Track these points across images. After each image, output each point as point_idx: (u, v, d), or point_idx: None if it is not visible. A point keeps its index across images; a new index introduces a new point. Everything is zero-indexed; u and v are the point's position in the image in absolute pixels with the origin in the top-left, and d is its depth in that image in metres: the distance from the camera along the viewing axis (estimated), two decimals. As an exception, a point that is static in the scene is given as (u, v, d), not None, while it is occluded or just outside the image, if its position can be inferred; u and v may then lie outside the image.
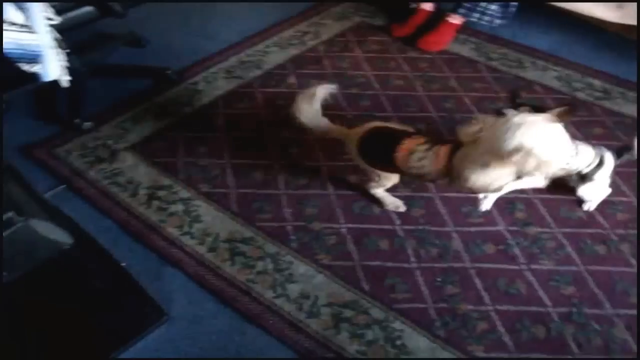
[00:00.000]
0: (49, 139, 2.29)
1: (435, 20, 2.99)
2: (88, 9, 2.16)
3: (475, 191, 1.85)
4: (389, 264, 1.86)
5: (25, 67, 1.75)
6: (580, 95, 2.60)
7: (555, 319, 1.72)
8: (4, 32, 1.53)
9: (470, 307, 1.74)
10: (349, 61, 2.82)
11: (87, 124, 2.33)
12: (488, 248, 1.92)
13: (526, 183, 1.99)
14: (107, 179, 2.12)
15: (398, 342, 1.65)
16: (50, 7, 1.92)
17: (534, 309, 1.75)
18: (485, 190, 1.81)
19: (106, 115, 2.42)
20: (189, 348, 1.64)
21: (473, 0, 2.87)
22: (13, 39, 1.60)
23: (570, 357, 1.63)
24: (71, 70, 2.08)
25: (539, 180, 2.00)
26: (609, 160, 1.92)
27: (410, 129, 1.93)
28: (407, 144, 1.81)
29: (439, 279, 1.82)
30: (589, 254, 1.91)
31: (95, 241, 1.84)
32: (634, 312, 1.74)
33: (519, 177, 1.72)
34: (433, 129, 2.37)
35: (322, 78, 2.66)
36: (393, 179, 1.96)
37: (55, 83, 2.02)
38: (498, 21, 2.95)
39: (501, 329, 1.69)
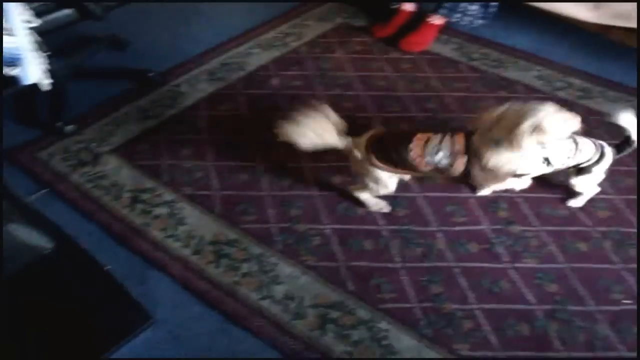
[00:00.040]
0: (31, 143, 2.27)
1: (417, 20, 3.00)
2: (67, 11, 2.15)
3: (487, 176, 1.87)
4: (374, 264, 1.87)
5: (5, 70, 1.74)
6: (561, 94, 2.62)
7: (539, 317, 1.73)
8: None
9: (456, 306, 1.75)
10: (332, 62, 2.82)
11: (70, 127, 2.31)
12: (472, 247, 1.93)
13: (515, 182, 2.02)
14: (90, 182, 2.11)
15: (384, 342, 1.66)
16: (29, 9, 1.91)
17: (518, 307, 1.76)
18: (496, 173, 1.83)
19: (88, 118, 2.40)
20: (175, 351, 1.64)
21: (454, 0, 2.88)
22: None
23: (554, 354, 1.65)
24: (52, 73, 2.07)
25: (525, 181, 2.05)
26: (609, 155, 1.94)
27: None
28: (420, 137, 1.84)
29: (423, 279, 1.83)
30: (571, 251, 1.93)
31: (78, 245, 1.82)
32: (616, 308, 1.76)
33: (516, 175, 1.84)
34: (417, 129, 2.37)
35: (305, 79, 2.67)
36: (390, 185, 1.95)
37: (35, 86, 2.01)
38: (479, 21, 2.98)
39: (486, 327, 1.70)
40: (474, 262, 1.89)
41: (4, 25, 1.75)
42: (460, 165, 1.83)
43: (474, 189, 2.09)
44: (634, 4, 2.71)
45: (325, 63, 2.82)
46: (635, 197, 2.11)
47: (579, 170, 1.95)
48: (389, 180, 1.92)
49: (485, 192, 2.08)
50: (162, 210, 2.01)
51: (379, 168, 1.87)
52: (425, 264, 1.87)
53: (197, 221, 1.98)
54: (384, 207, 2.03)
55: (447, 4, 2.90)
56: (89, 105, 2.47)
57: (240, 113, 2.47)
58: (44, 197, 2.05)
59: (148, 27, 3.07)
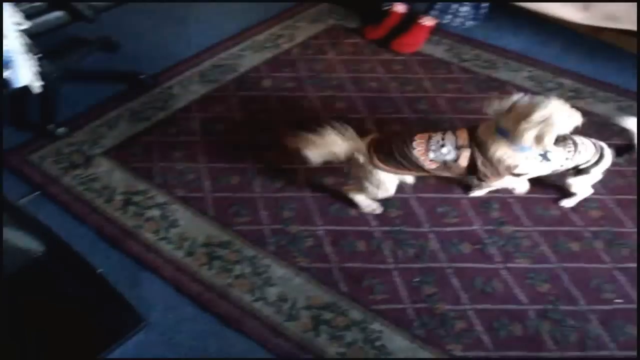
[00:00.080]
0: (22, 145, 2.26)
1: (408, 22, 3.01)
2: (58, 13, 2.14)
3: (490, 170, 1.86)
4: (367, 265, 1.87)
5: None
6: (552, 95, 2.63)
7: (531, 317, 1.74)
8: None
9: (448, 306, 1.76)
10: (323, 64, 2.83)
11: (61, 130, 2.31)
12: (464, 248, 1.94)
13: (514, 183, 2.04)
14: (82, 184, 2.10)
15: (377, 343, 1.66)
16: (19, 11, 1.90)
17: (510, 307, 1.77)
18: (498, 167, 1.84)
19: (80, 120, 2.39)
20: (167, 354, 1.64)
21: (444, 0, 2.89)
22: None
23: (547, 353, 1.66)
24: (43, 75, 2.06)
25: (524, 184, 2.07)
26: (608, 157, 1.95)
27: None
28: (420, 136, 1.86)
29: (416, 279, 1.83)
30: (563, 251, 1.93)
31: (70, 248, 1.82)
32: (608, 307, 1.78)
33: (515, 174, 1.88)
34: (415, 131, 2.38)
35: (297, 81, 2.67)
36: (391, 188, 1.95)
37: (26, 89, 2.00)
38: (470, 22, 2.99)
39: (479, 327, 1.71)
40: (466, 262, 1.89)
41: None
42: (464, 160, 1.84)
43: (468, 188, 2.10)
44: (624, 6, 2.73)
45: (317, 64, 2.82)
46: (626, 197, 2.12)
47: (578, 170, 1.96)
48: (390, 182, 1.92)
49: (478, 192, 2.09)
50: (155, 213, 2.01)
51: (382, 169, 1.87)
52: (417, 265, 1.88)
53: (189, 223, 1.98)
54: (376, 208, 2.03)
55: (438, 6, 2.91)
56: (80, 107, 2.46)
57: (232, 115, 2.47)
58: (35, 200, 2.04)
59: (140, 29, 3.06)
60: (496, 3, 3.04)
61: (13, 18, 1.85)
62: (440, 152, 1.83)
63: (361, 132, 1.91)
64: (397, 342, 1.67)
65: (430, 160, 1.83)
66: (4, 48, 1.84)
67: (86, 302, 1.69)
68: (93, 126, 2.37)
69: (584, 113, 1.81)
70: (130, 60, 2.79)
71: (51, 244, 1.74)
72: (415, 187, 2.09)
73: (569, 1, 2.88)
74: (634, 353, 1.67)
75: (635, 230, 2.01)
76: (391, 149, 1.84)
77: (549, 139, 1.72)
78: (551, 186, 2.10)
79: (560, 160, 1.90)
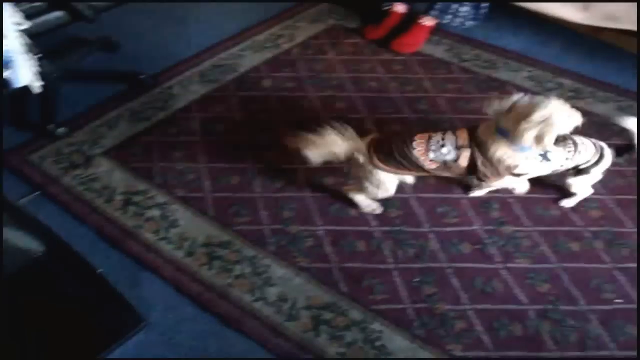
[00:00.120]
0: (22, 145, 2.26)
1: (408, 22, 3.01)
2: (58, 13, 2.14)
3: (490, 170, 1.86)
4: (367, 265, 1.87)
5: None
6: (552, 95, 2.63)
7: (531, 317, 1.74)
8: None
9: (448, 306, 1.76)
10: (324, 64, 2.83)
11: (61, 130, 2.31)
12: (464, 248, 1.94)
13: (514, 183, 2.04)
14: (82, 184, 2.10)
15: (377, 343, 1.66)
16: (19, 11, 1.90)
17: (510, 307, 1.77)
18: (498, 167, 1.84)
19: (80, 120, 2.39)
20: (167, 354, 1.64)
21: (444, 0, 2.89)
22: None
23: (547, 353, 1.66)
24: (43, 75, 2.06)
25: (524, 184, 2.06)
26: (608, 157, 1.95)
27: None
28: (420, 136, 1.86)
29: (416, 279, 1.83)
30: (563, 251, 1.94)
31: (70, 248, 1.82)
32: (608, 307, 1.78)
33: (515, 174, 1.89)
34: (409, 130, 2.38)
35: (297, 81, 2.67)
36: (391, 188, 1.94)
37: (26, 89, 2.00)
38: (470, 22, 2.99)
39: (479, 327, 1.71)
40: (466, 262, 1.89)
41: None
42: (464, 160, 1.84)
43: (468, 188, 2.10)
44: (624, 6, 2.73)
45: (317, 64, 2.82)
46: (626, 197, 2.12)
47: (578, 170, 1.96)
48: (390, 182, 1.92)
49: (478, 192, 2.09)
50: (155, 213, 2.01)
51: (382, 169, 1.87)
52: (417, 265, 1.88)
53: (189, 223, 1.98)
54: (376, 208, 2.03)
55: (437, 6, 2.91)
56: (80, 107, 2.46)
57: (232, 115, 2.47)
58: (35, 200, 2.04)
59: (140, 29, 3.06)
60: (496, 3, 3.04)
61: (13, 18, 1.85)
62: (440, 152, 1.83)
63: (361, 132, 1.91)
64: (397, 342, 1.67)
65: (430, 160, 1.83)
66: (4, 48, 1.84)
67: (86, 302, 1.69)
68: (93, 126, 2.37)
69: (584, 113, 1.81)
70: (130, 60, 2.79)
71: (51, 244, 1.74)
72: (415, 187, 2.09)
73: (568, 1, 2.88)
74: (634, 353, 1.67)
75: (635, 230, 2.01)
76: (391, 149, 1.84)
77: (549, 139, 1.73)
78: (551, 186, 2.10)
79: (560, 160, 1.90)
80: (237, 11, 3.27)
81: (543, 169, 1.92)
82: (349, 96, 2.60)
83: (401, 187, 2.00)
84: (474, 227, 2.00)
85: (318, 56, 2.88)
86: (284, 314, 1.73)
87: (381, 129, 2.35)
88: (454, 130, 1.87)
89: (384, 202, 2.04)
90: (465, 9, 2.92)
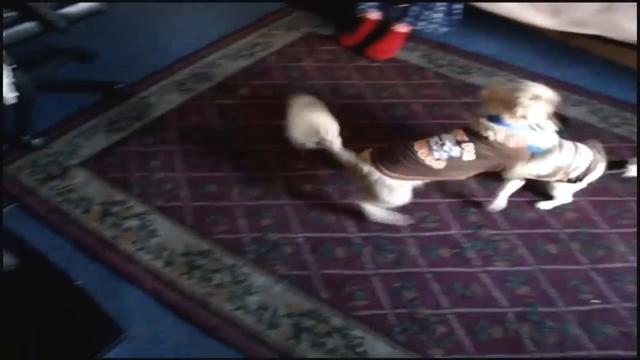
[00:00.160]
0: (-4, 157, 2.23)
1: (383, 29, 3.03)
2: (30, 24, 2.12)
3: (503, 154, 1.90)
4: (347, 272, 1.87)
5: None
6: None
7: (511, 319, 1.76)
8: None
9: (429, 311, 1.77)
10: (300, 71, 2.83)
11: (37, 141, 2.28)
12: (443, 252, 1.95)
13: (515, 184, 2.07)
14: (59, 196, 2.08)
15: (359, 349, 1.67)
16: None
17: (490, 310, 1.78)
18: (507, 150, 1.88)
19: (56, 131, 2.37)
20: (149, 365, 1.63)
21: (417, 1, 2.91)
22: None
23: (527, 355, 1.67)
24: (18, 86, 2.05)
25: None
26: (599, 169, 1.98)
27: None
28: (419, 141, 1.88)
29: (396, 285, 1.84)
30: (541, 253, 1.96)
31: (47, 260, 1.80)
32: (585, 308, 1.80)
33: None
34: (386, 136, 2.39)
35: (274, 89, 2.68)
36: (404, 195, 1.92)
37: (0, 100, 1.98)
38: (444, 29, 3.02)
39: (460, 331, 1.72)
40: (445, 267, 1.90)
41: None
42: (470, 154, 1.85)
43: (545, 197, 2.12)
44: (592, 12, 2.79)
45: (293, 72, 2.82)
46: (600, 198, 2.15)
47: (573, 180, 1.99)
48: (401, 189, 1.89)
49: (549, 205, 2.11)
50: (133, 223, 2.00)
51: (390, 176, 1.84)
52: (397, 270, 1.89)
53: (168, 233, 1.97)
54: (400, 219, 2.02)
55: (411, 12, 2.93)
56: (56, 118, 2.44)
57: (210, 123, 2.47)
58: (12, 212, 2.02)
59: (115, 39, 3.05)
60: (463, 1, 3.07)
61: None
62: (443, 150, 1.84)
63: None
64: (378, 348, 1.67)
65: (437, 160, 1.83)
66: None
67: (64, 315, 1.68)
68: (69, 137, 2.35)
69: (557, 117, 1.84)
70: (106, 70, 2.77)
71: (27, 256, 1.73)
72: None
73: (535, 1, 2.92)
74: (613, 352, 1.69)
75: (610, 231, 2.04)
76: (396, 156, 1.84)
77: (540, 112, 1.83)
78: (527, 189, 2.12)
79: (567, 158, 1.93)
80: (213, 20, 3.27)
81: (552, 164, 1.94)
82: (326, 103, 2.59)
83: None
84: (453, 232, 2.02)
85: (294, 64, 2.89)
86: (264, 322, 1.72)
87: (359, 136, 2.34)
88: (447, 131, 1.90)
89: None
90: (438, 15, 2.95)
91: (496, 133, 1.83)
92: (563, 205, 2.10)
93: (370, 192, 1.90)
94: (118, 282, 1.82)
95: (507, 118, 1.83)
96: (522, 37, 3.12)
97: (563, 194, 2.06)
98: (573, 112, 2.57)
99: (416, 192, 2.09)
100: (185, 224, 2.00)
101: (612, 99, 2.69)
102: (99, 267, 1.86)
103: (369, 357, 1.65)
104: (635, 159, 2.00)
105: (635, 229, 2.05)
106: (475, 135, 1.85)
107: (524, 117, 1.82)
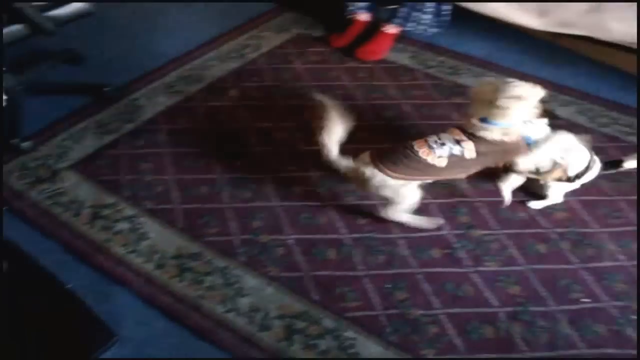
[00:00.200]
0: (-15, 161, 2.22)
1: (372, 30, 3.04)
2: (17, 27, 2.10)
3: (499, 151, 1.91)
4: (338, 273, 1.88)
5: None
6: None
7: (502, 319, 1.76)
8: None
9: (421, 311, 1.77)
10: (290, 73, 2.83)
11: (26, 144, 2.27)
12: (434, 253, 1.95)
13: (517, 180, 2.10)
14: (49, 199, 2.07)
15: (351, 351, 1.67)
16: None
17: (482, 310, 1.79)
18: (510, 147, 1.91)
19: (46, 134, 2.36)
20: (140, 368, 1.62)
21: (407, 0, 2.92)
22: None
23: (518, 355, 1.68)
24: (7, 89, 2.03)
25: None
26: (594, 171, 2.00)
27: None
28: (418, 140, 1.88)
29: (388, 286, 1.84)
30: (531, 253, 1.96)
31: (37, 264, 1.80)
32: (576, 307, 1.81)
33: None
34: (376, 137, 2.39)
35: (264, 90, 2.68)
36: (411, 195, 1.92)
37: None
38: (433, 30, 3.03)
39: (451, 331, 1.72)
40: (437, 267, 1.91)
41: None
42: (471, 152, 1.85)
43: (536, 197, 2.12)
44: (579, 12, 2.80)
45: (283, 74, 2.82)
46: (590, 198, 2.16)
47: (570, 178, 2.00)
48: (406, 189, 1.89)
49: (539, 204, 2.12)
50: (124, 226, 1.99)
51: (393, 177, 1.84)
52: (389, 271, 1.89)
53: (159, 235, 1.97)
54: (435, 222, 2.03)
55: (400, 14, 2.94)
56: (45, 121, 2.43)
57: (200, 125, 2.46)
58: (1, 215, 2.01)
59: (104, 41, 3.04)
60: (453, 1, 3.08)
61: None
62: (443, 148, 1.84)
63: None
64: (371, 349, 1.67)
65: (439, 157, 1.84)
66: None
67: (55, 319, 1.67)
68: (58, 140, 2.34)
69: (547, 116, 1.85)
70: (96, 73, 2.77)
71: (17, 260, 1.72)
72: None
73: (526, 1, 2.94)
74: (604, 351, 1.70)
75: (600, 230, 2.05)
76: (397, 156, 1.84)
77: (523, 112, 1.86)
78: (518, 189, 2.13)
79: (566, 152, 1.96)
80: (203, 22, 3.26)
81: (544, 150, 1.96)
82: (316, 105, 2.60)
83: (371, 194, 2.01)
84: (443, 232, 2.02)
85: (284, 65, 2.89)
86: (256, 324, 1.72)
87: (349, 137, 2.35)
88: (439, 131, 1.91)
89: (354, 208, 2.04)
90: (427, 16, 2.97)
91: (492, 132, 1.84)
92: (553, 205, 2.11)
93: (382, 196, 1.92)
94: (109, 285, 1.81)
95: (493, 118, 1.84)
96: (511, 37, 3.14)
97: (556, 194, 2.07)
98: (561, 112, 2.58)
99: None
100: (176, 226, 2.00)
101: (600, 98, 2.71)
102: (89, 271, 1.85)
103: (361, 358, 1.65)
104: (630, 155, 2.02)
105: (624, 228, 2.06)
106: (471, 135, 1.87)
107: (506, 117, 1.83)
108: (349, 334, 1.71)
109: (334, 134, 1.85)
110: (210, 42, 3.05)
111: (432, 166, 1.84)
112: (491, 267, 1.91)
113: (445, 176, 1.94)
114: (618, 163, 2.05)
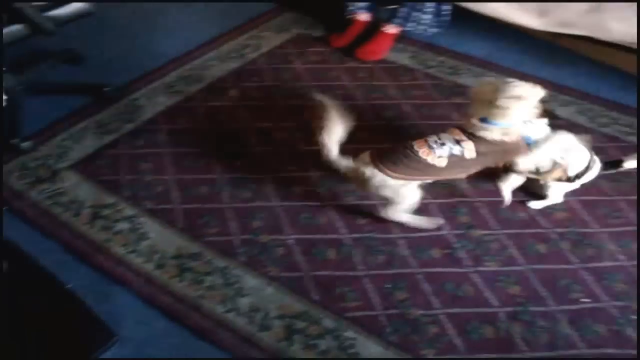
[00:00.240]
0: (-15, 161, 2.22)
1: (372, 30, 3.04)
2: (17, 27, 2.10)
3: (499, 150, 1.91)
4: (338, 273, 1.87)
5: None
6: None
7: (502, 319, 1.76)
8: None
9: (421, 311, 1.77)
10: (290, 73, 2.83)
11: (26, 144, 2.27)
12: (434, 253, 1.95)
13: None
14: (49, 199, 2.07)
15: (351, 351, 1.67)
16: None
17: (482, 310, 1.79)
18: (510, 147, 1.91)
19: (46, 134, 2.36)
20: (140, 368, 1.62)
21: (411, 1, 2.92)
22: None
23: (518, 355, 1.68)
24: (7, 89, 2.03)
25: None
26: (594, 171, 2.00)
27: None
28: (417, 140, 1.88)
29: (388, 286, 1.84)
30: (531, 253, 1.96)
31: (37, 264, 1.80)
32: (576, 307, 1.80)
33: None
34: (376, 137, 2.39)
35: (264, 90, 2.67)
36: (411, 195, 1.92)
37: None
38: (433, 30, 3.03)
39: (451, 331, 1.72)
40: (437, 267, 1.91)
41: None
42: (471, 152, 1.85)
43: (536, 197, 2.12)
44: (579, 12, 2.80)
45: (283, 74, 2.82)
46: (590, 198, 2.16)
47: (569, 178, 2.00)
48: (405, 189, 1.89)
49: (539, 204, 2.12)
50: (124, 226, 1.99)
51: (392, 177, 1.84)
52: (389, 271, 1.89)
53: (159, 235, 1.97)
54: (435, 222, 2.03)
55: (400, 14, 2.94)
56: (45, 121, 2.43)
57: (200, 125, 2.46)
58: (1, 215, 2.01)
59: (105, 41, 3.04)
60: (453, 1, 3.08)
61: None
62: (443, 148, 1.84)
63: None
64: (371, 349, 1.67)
65: (439, 157, 1.84)
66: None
67: (55, 319, 1.67)
68: (58, 140, 2.34)
69: (547, 116, 1.85)
70: (96, 73, 2.77)
71: (17, 260, 1.72)
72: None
73: (526, 1, 2.94)
74: (604, 350, 1.70)
75: (600, 230, 2.05)
76: (397, 156, 1.84)
77: (522, 112, 1.85)
78: (518, 189, 2.13)
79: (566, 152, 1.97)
80: (203, 22, 3.26)
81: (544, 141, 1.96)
82: (316, 105, 2.60)
83: (370, 194, 2.01)
84: (443, 232, 2.02)
85: (284, 65, 2.89)
86: (256, 324, 1.72)
87: (348, 137, 2.35)
88: (439, 131, 1.91)
89: (353, 208, 2.04)
90: (427, 16, 2.97)
91: (492, 132, 1.84)
92: (553, 205, 2.11)
93: (383, 197, 1.92)
94: (109, 285, 1.81)
95: (493, 118, 1.84)
96: (511, 37, 3.14)
97: (556, 194, 2.07)
98: (561, 112, 2.58)
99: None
100: (176, 226, 2.00)
101: (600, 98, 2.71)
102: (89, 271, 1.85)
103: (361, 358, 1.65)
104: (630, 155, 2.02)
105: (624, 228, 2.06)
106: (471, 135, 1.87)
107: (506, 117, 1.83)
108: (349, 334, 1.71)
109: (334, 134, 1.85)
110: (210, 42, 3.05)
111: (432, 166, 1.84)
112: (491, 267, 1.91)
113: (445, 176, 1.94)
114: (618, 163, 2.05)
